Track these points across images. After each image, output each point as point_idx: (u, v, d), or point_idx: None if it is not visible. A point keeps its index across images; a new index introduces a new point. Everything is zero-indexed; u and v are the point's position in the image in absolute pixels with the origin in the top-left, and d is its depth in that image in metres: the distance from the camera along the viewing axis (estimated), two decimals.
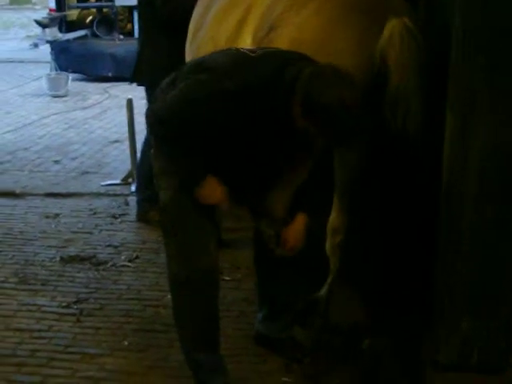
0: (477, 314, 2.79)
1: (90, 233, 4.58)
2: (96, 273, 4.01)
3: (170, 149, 2.67)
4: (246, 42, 3.02)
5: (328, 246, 3.26)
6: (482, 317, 2.76)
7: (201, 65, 2.68)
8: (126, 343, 3.32)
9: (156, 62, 4.21)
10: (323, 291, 3.37)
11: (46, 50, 9.59)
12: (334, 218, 3.24)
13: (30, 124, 7.41)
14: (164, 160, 2.73)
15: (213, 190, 2.66)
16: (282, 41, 2.82)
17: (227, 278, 3.84)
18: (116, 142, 6.68)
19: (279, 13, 2.90)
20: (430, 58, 2.86)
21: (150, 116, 2.67)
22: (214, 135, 2.58)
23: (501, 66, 2.49)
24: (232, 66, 2.59)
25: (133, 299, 3.73)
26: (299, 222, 2.82)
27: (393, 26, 2.75)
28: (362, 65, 2.75)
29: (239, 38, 3.07)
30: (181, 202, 2.71)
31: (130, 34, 9.80)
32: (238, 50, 2.74)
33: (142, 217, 4.68)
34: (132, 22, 9.77)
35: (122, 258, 4.20)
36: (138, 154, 5.33)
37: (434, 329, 2.94)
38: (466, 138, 2.60)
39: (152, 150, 2.80)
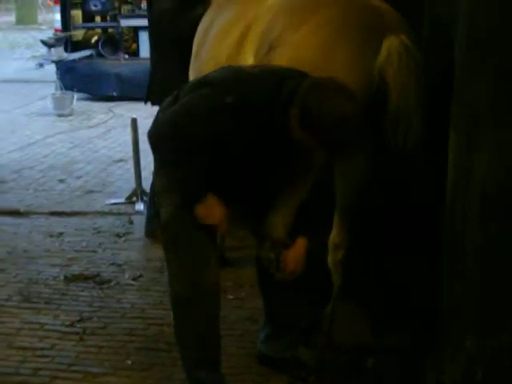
0: (481, 333, 2.77)
1: (94, 251, 4.58)
2: (100, 291, 4.01)
3: (172, 164, 2.68)
4: (247, 61, 3.05)
5: (330, 262, 3.26)
6: (486, 335, 2.75)
7: (202, 81, 2.72)
8: (129, 362, 3.31)
9: (168, 80, 4.23)
10: (326, 310, 3.35)
11: (51, 69, 9.63)
12: (335, 234, 3.24)
13: (34, 143, 7.44)
14: (165, 177, 2.75)
15: (212, 209, 2.66)
16: (281, 60, 2.84)
17: (231, 297, 3.83)
18: (120, 161, 6.70)
19: (278, 32, 2.93)
20: (434, 75, 2.87)
21: (152, 132, 2.69)
22: (215, 149, 2.59)
23: (505, 83, 2.50)
24: (232, 81, 2.62)
25: (136, 318, 3.72)
26: (299, 246, 2.81)
27: (390, 44, 2.77)
28: (360, 83, 2.76)
29: (240, 57, 3.09)
30: (182, 218, 2.72)
31: (135, 54, 9.84)
32: (239, 66, 2.78)
33: (151, 233, 4.68)
34: (137, 42, 9.82)
35: (126, 276, 4.19)
36: (143, 173, 5.37)
37: (438, 347, 2.92)
38: (469, 156, 2.59)
39: (154, 169, 2.82)
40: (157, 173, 2.82)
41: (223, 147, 2.59)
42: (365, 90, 2.79)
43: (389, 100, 2.78)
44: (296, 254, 2.80)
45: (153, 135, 2.69)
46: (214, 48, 3.38)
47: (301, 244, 2.81)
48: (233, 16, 3.39)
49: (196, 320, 2.80)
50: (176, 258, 2.79)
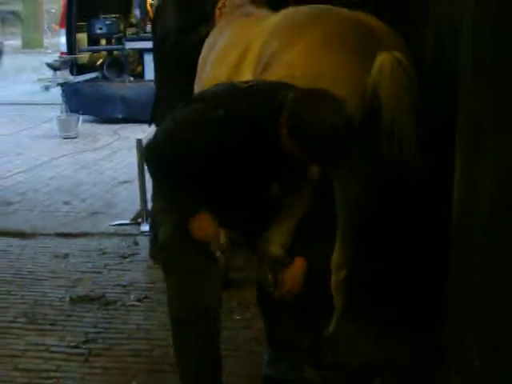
0: (488, 346, 2.75)
1: (100, 272, 4.58)
2: (105, 312, 4.00)
3: (167, 180, 2.69)
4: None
5: (333, 282, 3.25)
6: (493, 348, 2.73)
7: (195, 97, 2.76)
8: (134, 383, 3.28)
9: (172, 102, 4.24)
10: (331, 329, 3.33)
11: (57, 92, 9.68)
12: (337, 254, 3.23)
13: (40, 165, 7.46)
14: (162, 197, 2.77)
15: (204, 225, 2.66)
16: (275, 78, 2.86)
17: (237, 317, 3.82)
18: (125, 182, 6.71)
19: (272, 51, 2.98)
20: (439, 89, 2.88)
21: (146, 150, 2.70)
22: (208, 163, 2.60)
23: (510, 92, 2.50)
24: (225, 95, 2.66)
25: (142, 339, 3.71)
26: (297, 266, 2.80)
27: (383, 60, 2.79)
28: (354, 98, 2.78)
29: (239, 76, 3.12)
30: (180, 238, 2.72)
31: (140, 76, 9.90)
32: (230, 82, 2.82)
33: (156, 255, 4.66)
34: (142, 64, 9.88)
35: (131, 297, 4.18)
36: (148, 194, 5.36)
37: (444, 361, 2.90)
38: (475, 168, 2.59)
39: (152, 190, 2.83)
40: (155, 194, 2.84)
41: (216, 160, 2.60)
42: (359, 106, 2.81)
43: (382, 114, 2.79)
44: (294, 272, 2.79)
45: (148, 152, 2.71)
46: (214, 69, 3.42)
47: (299, 263, 2.80)
48: (232, 37, 3.45)
49: (196, 341, 2.77)
50: (174, 279, 2.78)
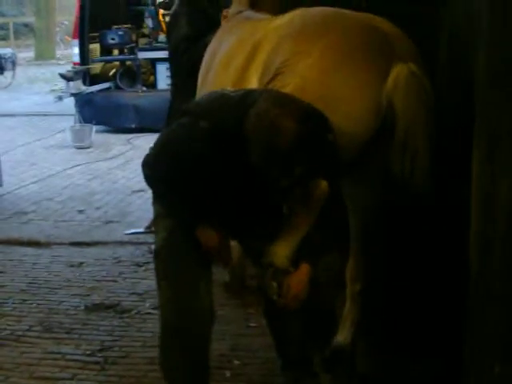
0: (508, 360, 2.71)
1: (114, 281, 4.57)
2: (120, 320, 3.99)
3: (160, 196, 2.71)
4: (252, 87, 3.02)
5: (348, 294, 3.21)
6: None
7: (183, 110, 2.74)
8: None
9: None
10: (342, 339, 3.29)
11: (70, 102, 9.72)
12: (351, 266, 3.20)
13: (54, 175, 7.48)
14: (158, 204, 2.77)
15: (208, 237, 2.66)
16: (285, 87, 2.78)
17: (253, 325, 3.79)
18: (139, 191, 6.69)
19: (283, 58, 2.88)
20: (455, 98, 2.86)
21: (142, 163, 2.71)
22: (200, 176, 2.58)
23: None
24: (209, 106, 2.64)
25: (157, 347, 3.67)
26: (303, 272, 2.73)
27: (398, 72, 2.74)
28: (367, 110, 2.75)
29: (245, 83, 3.05)
30: (173, 243, 2.70)
31: (153, 86, 9.94)
32: (222, 91, 2.76)
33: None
34: (155, 74, 9.92)
35: (147, 305, 4.17)
36: None
37: (464, 376, 2.87)
38: (493, 179, 2.57)
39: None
40: (153, 200, 2.83)
41: (206, 173, 2.57)
42: (372, 117, 2.77)
43: (396, 126, 2.75)
44: (299, 278, 2.72)
45: (142, 167, 2.71)
46: (218, 74, 3.36)
47: (304, 269, 2.73)
48: (238, 40, 3.38)
49: (184, 348, 2.72)
50: (166, 285, 2.75)
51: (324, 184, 2.64)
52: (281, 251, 2.73)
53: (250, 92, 2.70)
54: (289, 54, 2.88)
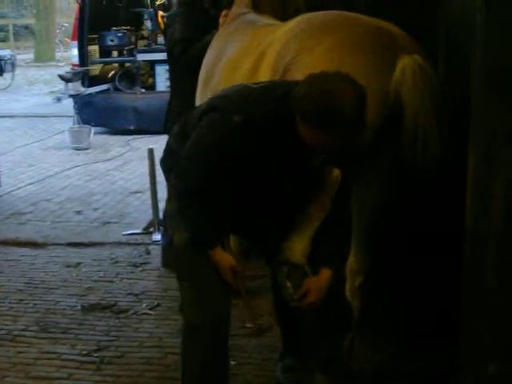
0: (503, 358, 2.72)
1: (111, 281, 4.57)
2: (117, 321, 3.99)
3: (187, 206, 2.65)
4: None
5: (348, 289, 3.22)
6: (508, 360, 2.70)
7: (210, 104, 2.70)
8: None
9: (184, 110, 4.26)
10: (347, 338, 3.30)
11: (68, 104, 9.73)
12: (352, 260, 3.20)
13: (52, 176, 7.48)
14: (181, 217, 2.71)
15: (222, 258, 2.66)
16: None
17: (250, 326, 3.78)
18: (137, 192, 6.71)
19: (292, 55, 2.95)
20: (451, 95, 2.87)
21: (163, 169, 2.68)
22: (234, 172, 2.57)
23: None
24: (238, 99, 2.61)
25: (154, 347, 3.69)
26: (324, 277, 2.73)
27: (404, 63, 2.78)
28: (375, 102, 2.76)
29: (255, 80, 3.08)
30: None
31: (152, 87, 9.94)
32: (244, 84, 2.78)
33: (168, 263, 4.65)
34: (153, 76, 9.91)
35: (143, 306, 4.17)
36: (160, 204, 5.36)
37: (459, 373, 2.87)
38: (489, 176, 2.57)
39: (167, 194, 2.80)
40: (169, 197, 2.80)
41: (239, 166, 2.57)
42: (380, 110, 2.79)
43: (404, 118, 2.78)
44: (320, 284, 2.72)
45: (163, 167, 2.70)
46: (225, 77, 3.39)
47: (325, 275, 2.72)
48: (244, 45, 3.42)
49: (206, 348, 2.73)
50: (189, 286, 2.75)
51: (337, 172, 2.70)
52: (296, 246, 2.75)
53: (275, 82, 2.74)
54: (296, 52, 2.95)
